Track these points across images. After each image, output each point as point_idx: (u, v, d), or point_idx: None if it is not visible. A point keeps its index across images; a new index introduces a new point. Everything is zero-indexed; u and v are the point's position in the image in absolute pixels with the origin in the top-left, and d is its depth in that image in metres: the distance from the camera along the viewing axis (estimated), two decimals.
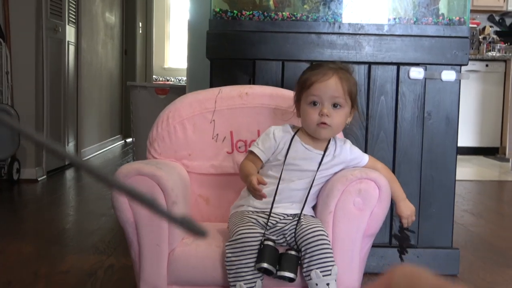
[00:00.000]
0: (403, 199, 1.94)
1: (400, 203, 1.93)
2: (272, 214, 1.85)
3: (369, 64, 2.63)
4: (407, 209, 1.92)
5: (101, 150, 7.09)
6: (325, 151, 1.89)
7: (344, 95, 1.84)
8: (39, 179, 4.95)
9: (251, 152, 1.92)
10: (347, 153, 1.93)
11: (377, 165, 1.98)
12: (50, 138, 5.19)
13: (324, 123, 1.82)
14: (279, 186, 1.86)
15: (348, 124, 1.94)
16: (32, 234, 3.35)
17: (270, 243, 1.74)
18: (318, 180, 1.89)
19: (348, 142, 1.98)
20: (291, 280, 1.73)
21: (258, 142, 1.92)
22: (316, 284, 1.71)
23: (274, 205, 1.85)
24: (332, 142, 1.92)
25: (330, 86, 1.82)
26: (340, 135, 2.08)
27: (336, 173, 1.92)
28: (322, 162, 1.88)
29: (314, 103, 1.83)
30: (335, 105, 1.83)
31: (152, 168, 1.82)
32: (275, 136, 1.90)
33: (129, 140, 8.12)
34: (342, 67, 1.89)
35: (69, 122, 5.90)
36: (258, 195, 1.76)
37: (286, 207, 1.86)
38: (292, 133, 1.91)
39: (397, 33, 2.62)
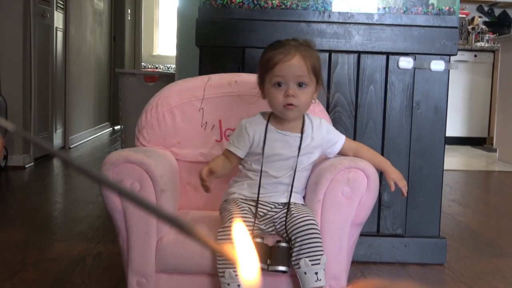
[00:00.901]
0: (389, 165, 1.91)
1: (389, 169, 1.90)
2: (263, 203, 1.84)
3: (359, 53, 2.63)
4: (398, 173, 1.90)
5: (89, 137, 7.06)
6: (302, 133, 1.86)
7: (309, 73, 1.80)
8: (26, 166, 4.93)
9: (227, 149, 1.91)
10: (323, 133, 1.90)
11: (351, 144, 1.96)
12: (37, 125, 5.17)
13: (291, 104, 1.79)
14: (263, 179, 1.84)
15: (314, 101, 1.91)
16: (19, 221, 3.34)
17: (258, 240, 1.74)
18: (301, 165, 1.87)
19: (324, 121, 1.93)
20: (284, 272, 1.73)
21: (233, 139, 1.90)
22: (305, 273, 1.71)
23: (266, 195, 1.85)
24: (307, 123, 1.89)
25: (293, 66, 1.78)
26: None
27: (323, 161, 1.91)
28: (302, 146, 1.86)
29: (279, 84, 1.79)
30: (300, 84, 1.80)
31: (141, 155, 1.82)
32: (248, 131, 1.86)
33: (117, 127, 8.09)
34: (303, 43, 1.84)
35: (57, 109, 5.87)
36: (203, 186, 1.79)
37: (276, 196, 1.86)
38: (265, 122, 1.88)
39: (386, 23, 2.62)
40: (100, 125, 7.75)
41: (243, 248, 0.45)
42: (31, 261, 2.61)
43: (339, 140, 1.93)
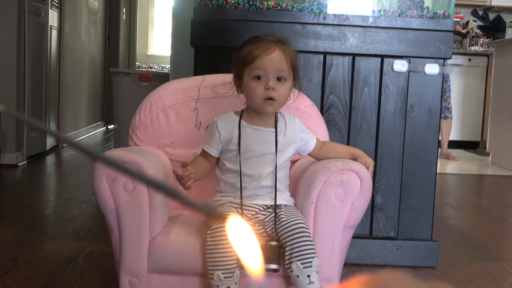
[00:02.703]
0: (362, 152, 1.91)
1: (362, 155, 1.89)
2: (251, 205, 1.84)
3: (353, 55, 2.64)
4: (369, 158, 1.88)
5: (82, 136, 7.04)
6: (276, 128, 1.87)
7: (288, 68, 1.81)
8: (19, 164, 4.91)
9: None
10: (296, 131, 1.90)
11: (319, 142, 1.95)
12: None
13: (271, 98, 1.79)
14: (243, 178, 1.84)
15: (289, 98, 1.90)
16: (11, 219, 3.32)
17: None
18: (281, 162, 1.86)
19: (297, 119, 1.93)
20: (275, 270, 1.73)
21: (207, 138, 1.91)
22: (297, 276, 1.71)
23: (249, 199, 1.84)
24: (280, 119, 1.90)
25: (274, 59, 1.79)
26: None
27: (316, 162, 1.91)
28: (278, 141, 1.85)
29: (259, 77, 1.80)
30: (279, 79, 1.81)
31: (134, 155, 1.81)
32: (219, 128, 1.87)
33: (111, 126, 8.08)
34: (281, 40, 1.85)
35: (51, 108, 5.85)
36: (184, 184, 1.73)
37: (260, 199, 1.85)
38: (237, 118, 1.88)
39: (381, 25, 2.62)
40: (94, 124, 7.73)
41: (244, 245, 0.45)
42: (23, 259, 2.60)
43: (311, 139, 1.93)
